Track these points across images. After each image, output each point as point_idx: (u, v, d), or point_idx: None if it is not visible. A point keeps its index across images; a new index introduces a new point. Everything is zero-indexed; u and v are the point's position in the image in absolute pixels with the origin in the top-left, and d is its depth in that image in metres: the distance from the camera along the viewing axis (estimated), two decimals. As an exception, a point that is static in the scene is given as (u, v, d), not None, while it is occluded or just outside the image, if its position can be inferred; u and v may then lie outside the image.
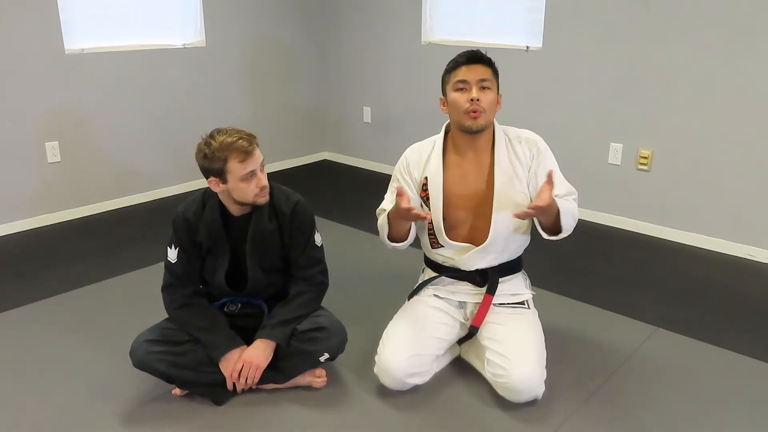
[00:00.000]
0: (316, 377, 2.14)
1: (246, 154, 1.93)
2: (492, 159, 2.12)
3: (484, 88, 2.03)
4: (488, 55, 2.08)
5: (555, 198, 1.96)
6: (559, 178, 2.12)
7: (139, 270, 3.13)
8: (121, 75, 3.97)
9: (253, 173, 1.96)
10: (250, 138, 1.97)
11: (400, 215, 1.99)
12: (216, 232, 2.06)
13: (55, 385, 2.18)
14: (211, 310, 2.11)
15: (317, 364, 2.11)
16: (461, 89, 2.04)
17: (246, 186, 1.96)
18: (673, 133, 3.41)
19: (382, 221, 2.14)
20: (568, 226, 2.05)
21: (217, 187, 2.00)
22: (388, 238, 2.12)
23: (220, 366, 2.03)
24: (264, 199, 2.02)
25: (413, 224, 2.13)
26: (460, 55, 2.07)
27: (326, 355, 2.07)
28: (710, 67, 3.22)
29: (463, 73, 2.03)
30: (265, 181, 2.00)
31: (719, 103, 3.23)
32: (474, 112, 2.02)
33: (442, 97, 2.13)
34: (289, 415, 2.02)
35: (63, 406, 2.07)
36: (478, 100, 2.01)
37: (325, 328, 2.07)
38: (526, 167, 2.12)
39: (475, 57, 2.05)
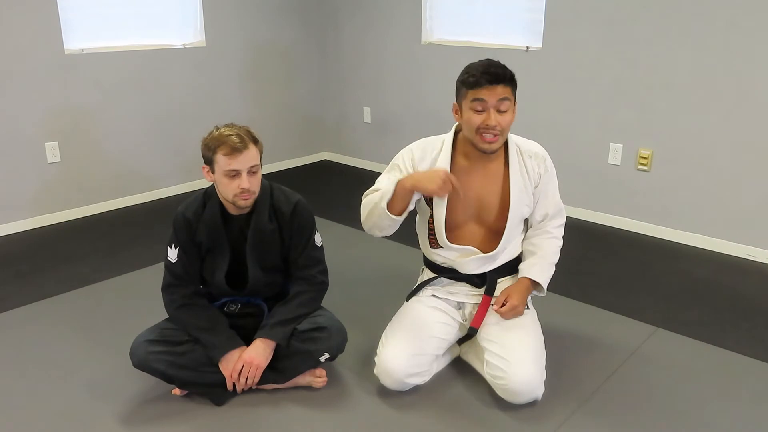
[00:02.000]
0: (316, 377, 2.14)
1: (233, 151, 1.92)
2: (503, 169, 2.10)
3: (502, 110, 1.94)
4: (510, 70, 1.95)
5: (532, 260, 2.15)
6: (554, 198, 2.17)
7: (139, 270, 3.13)
8: (121, 75, 3.97)
9: (236, 173, 1.94)
10: (244, 138, 1.94)
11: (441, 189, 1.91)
12: (216, 231, 2.06)
13: (55, 385, 2.18)
14: (210, 310, 2.11)
15: (317, 364, 2.11)
16: (479, 111, 1.94)
17: (228, 182, 1.96)
18: (673, 133, 3.41)
19: (374, 196, 2.01)
20: (553, 270, 2.16)
21: (208, 177, 2.02)
22: (386, 207, 1.96)
23: (220, 366, 2.03)
24: (244, 202, 2.00)
25: (412, 203, 2.03)
26: (481, 73, 1.91)
27: (326, 355, 2.07)
28: (710, 67, 3.22)
29: (483, 94, 1.91)
30: (247, 185, 1.95)
31: (719, 103, 3.23)
32: (492, 136, 1.96)
33: (455, 103, 2.04)
34: (289, 415, 2.02)
35: (63, 406, 2.07)
36: (495, 126, 1.93)
37: (325, 328, 2.07)
38: (533, 183, 2.12)
39: (497, 77, 1.91)
